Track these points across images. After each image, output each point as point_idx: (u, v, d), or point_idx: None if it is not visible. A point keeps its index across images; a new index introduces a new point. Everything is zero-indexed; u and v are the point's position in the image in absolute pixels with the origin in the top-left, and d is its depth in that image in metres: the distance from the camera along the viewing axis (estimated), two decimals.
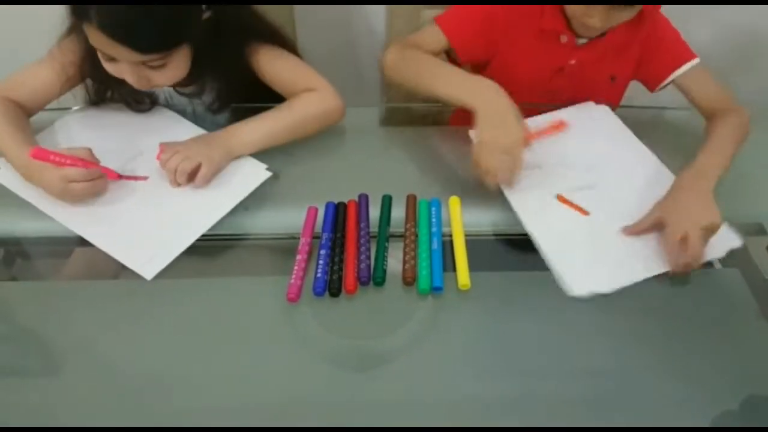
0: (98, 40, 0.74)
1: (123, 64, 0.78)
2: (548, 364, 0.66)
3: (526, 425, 0.61)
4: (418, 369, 0.65)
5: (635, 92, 1.05)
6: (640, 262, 0.74)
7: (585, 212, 0.80)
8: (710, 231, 0.73)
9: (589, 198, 0.81)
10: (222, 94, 0.91)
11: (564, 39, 0.93)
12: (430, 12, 1.05)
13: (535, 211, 0.80)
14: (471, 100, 0.80)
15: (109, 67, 0.79)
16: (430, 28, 0.94)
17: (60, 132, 0.89)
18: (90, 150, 0.78)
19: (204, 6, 0.78)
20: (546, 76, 0.97)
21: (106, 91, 0.88)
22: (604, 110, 0.97)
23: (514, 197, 0.81)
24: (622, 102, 1.05)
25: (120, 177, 0.81)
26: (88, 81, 0.88)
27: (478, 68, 1.00)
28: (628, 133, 0.93)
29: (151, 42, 0.75)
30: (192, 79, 0.88)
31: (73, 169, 0.74)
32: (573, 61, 0.95)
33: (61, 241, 0.77)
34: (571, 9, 0.88)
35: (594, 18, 0.84)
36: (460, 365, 0.66)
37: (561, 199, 0.81)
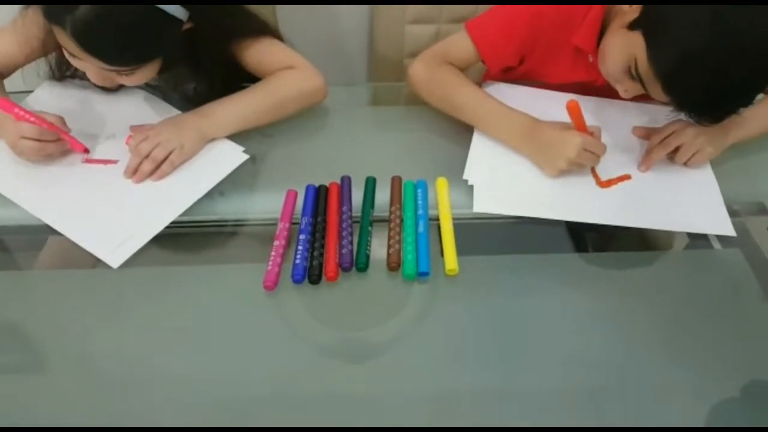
0: (66, 43, 0.69)
1: (88, 65, 0.73)
2: (542, 352, 0.63)
3: (518, 418, 0.58)
4: (403, 359, 0.62)
5: None
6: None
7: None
8: (702, 157, 0.81)
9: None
10: (200, 89, 0.87)
11: (592, 59, 0.87)
12: None
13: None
14: (509, 142, 0.82)
15: (73, 61, 0.74)
16: (460, 37, 0.88)
17: None
18: (62, 118, 0.76)
19: (185, 18, 0.73)
20: (572, 89, 0.92)
21: (70, 67, 0.83)
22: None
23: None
24: None
25: (87, 150, 0.78)
26: (51, 55, 0.83)
27: (503, 72, 0.95)
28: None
29: (122, 58, 0.71)
30: (166, 79, 0.84)
31: (27, 124, 0.72)
32: (598, 82, 0.88)
33: (36, 229, 0.72)
34: (605, 68, 0.82)
35: (627, 92, 0.80)
36: (448, 354, 0.63)
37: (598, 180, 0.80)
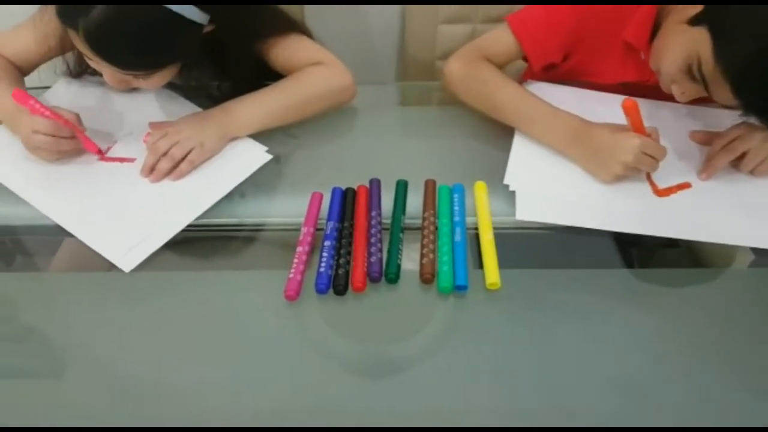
0: (80, 45, 0.66)
1: (103, 68, 0.70)
2: (586, 376, 0.56)
3: None
4: (436, 382, 0.55)
5: None
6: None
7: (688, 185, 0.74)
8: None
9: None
10: (224, 88, 0.83)
11: (644, 56, 0.80)
12: None
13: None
14: (555, 145, 0.75)
15: (89, 62, 0.71)
16: (500, 31, 0.82)
17: None
18: (78, 116, 0.73)
19: (205, 21, 0.68)
20: (619, 89, 0.85)
21: (88, 65, 0.80)
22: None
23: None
24: None
25: (100, 152, 0.74)
26: (69, 53, 0.79)
27: (545, 70, 0.88)
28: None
29: (137, 63, 0.67)
30: (188, 78, 0.80)
31: (42, 119, 0.69)
32: (651, 82, 0.81)
33: (53, 229, 0.68)
34: (662, 67, 0.73)
35: (685, 95, 0.73)
36: (485, 377, 0.56)
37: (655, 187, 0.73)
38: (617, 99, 0.69)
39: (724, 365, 0.57)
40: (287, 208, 0.72)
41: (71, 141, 0.72)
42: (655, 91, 0.81)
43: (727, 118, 0.78)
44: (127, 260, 0.62)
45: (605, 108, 0.75)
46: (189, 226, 0.67)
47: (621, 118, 0.70)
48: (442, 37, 1.16)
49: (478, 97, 0.81)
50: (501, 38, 0.82)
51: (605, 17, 0.79)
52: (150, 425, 0.52)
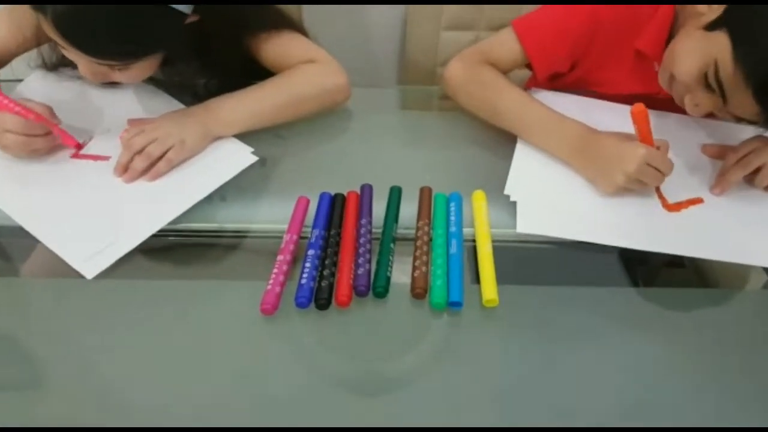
0: (52, 33, 0.61)
1: (77, 57, 0.65)
2: (587, 400, 0.51)
3: None
4: (426, 406, 0.49)
5: None
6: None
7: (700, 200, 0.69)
8: None
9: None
10: (210, 86, 0.78)
11: (657, 68, 0.75)
12: None
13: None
14: (558, 154, 0.71)
15: (64, 52, 0.66)
16: (505, 35, 0.78)
17: None
18: (51, 109, 0.67)
19: (188, 10, 0.64)
20: (627, 101, 0.80)
21: (64, 57, 0.75)
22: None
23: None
24: None
25: (79, 145, 0.70)
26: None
27: (550, 79, 0.84)
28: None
29: (111, 52, 0.62)
30: (171, 74, 0.75)
31: (11, 116, 0.64)
32: (662, 95, 0.76)
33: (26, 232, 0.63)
34: (677, 73, 0.68)
35: (699, 107, 0.67)
36: (479, 401, 0.50)
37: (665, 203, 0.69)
38: (625, 110, 0.65)
39: (734, 391, 0.52)
40: (272, 214, 0.67)
41: (45, 139, 0.67)
42: (666, 105, 0.77)
43: (741, 132, 0.74)
44: (90, 266, 0.57)
45: (611, 119, 0.70)
46: (164, 230, 0.62)
47: (628, 130, 0.65)
48: (445, 44, 1.12)
49: (478, 101, 0.76)
50: (506, 43, 0.78)
51: (618, 24, 0.75)
52: None
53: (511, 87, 0.75)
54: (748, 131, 0.72)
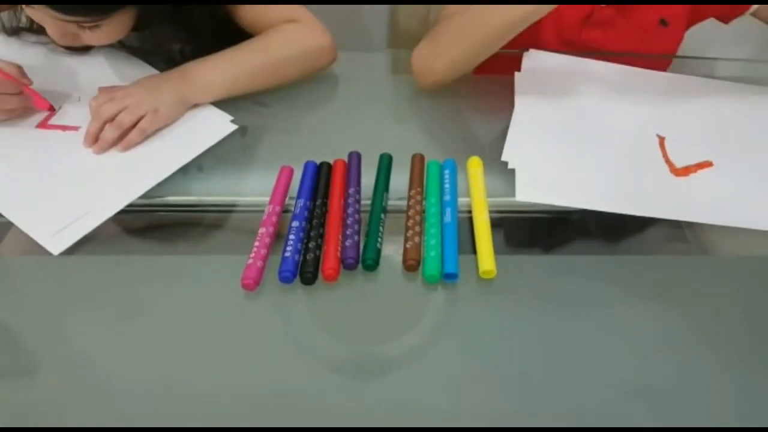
0: None
1: (42, 15, 0.60)
2: (590, 373, 0.47)
3: None
4: (420, 383, 0.46)
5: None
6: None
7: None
8: None
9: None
10: (186, 51, 0.73)
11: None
12: None
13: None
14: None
15: (28, 11, 0.61)
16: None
17: None
18: (20, 68, 0.64)
19: None
20: (573, 27, 0.76)
21: (29, 20, 0.70)
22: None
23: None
24: (681, 52, 0.84)
25: (52, 109, 0.66)
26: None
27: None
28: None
29: (78, 6, 0.58)
30: (145, 39, 0.71)
31: None
32: (602, 7, 0.73)
33: None
34: None
35: None
36: (477, 376, 0.47)
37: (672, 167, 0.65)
38: (621, 70, 0.61)
39: (741, 359, 0.49)
40: (253, 186, 0.62)
41: (18, 98, 0.63)
42: (614, 18, 0.75)
43: (752, 93, 0.71)
44: (55, 241, 0.53)
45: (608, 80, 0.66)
46: (137, 204, 0.58)
47: (624, 90, 0.62)
48: (436, 7, 1.05)
49: (445, 49, 0.69)
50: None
51: None
52: (81, 425, 0.43)
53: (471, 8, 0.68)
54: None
